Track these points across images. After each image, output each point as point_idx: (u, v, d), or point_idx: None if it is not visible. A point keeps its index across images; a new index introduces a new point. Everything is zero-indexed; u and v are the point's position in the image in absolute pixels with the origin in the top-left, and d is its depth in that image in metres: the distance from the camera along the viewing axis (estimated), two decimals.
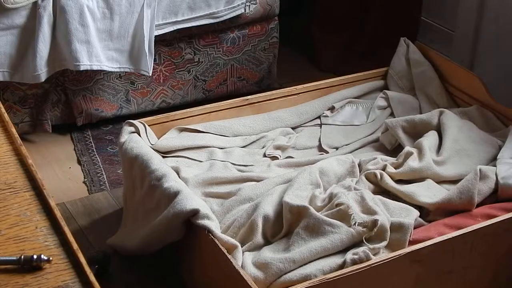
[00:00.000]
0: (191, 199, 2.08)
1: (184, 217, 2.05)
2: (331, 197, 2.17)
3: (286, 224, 2.10)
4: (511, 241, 2.12)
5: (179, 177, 2.30)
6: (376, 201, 2.14)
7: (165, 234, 2.13)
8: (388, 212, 2.12)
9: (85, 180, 2.81)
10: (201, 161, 2.48)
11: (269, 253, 2.01)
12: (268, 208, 2.12)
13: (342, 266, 1.94)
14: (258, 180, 2.37)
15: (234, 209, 2.23)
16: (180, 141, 2.51)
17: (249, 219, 2.11)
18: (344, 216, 2.05)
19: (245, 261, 1.99)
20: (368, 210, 2.07)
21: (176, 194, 2.12)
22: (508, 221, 2.08)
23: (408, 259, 1.95)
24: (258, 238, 2.08)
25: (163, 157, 2.45)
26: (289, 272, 1.95)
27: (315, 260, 1.98)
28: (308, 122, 2.74)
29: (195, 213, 2.04)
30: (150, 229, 2.19)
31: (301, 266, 1.96)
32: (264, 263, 1.96)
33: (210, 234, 1.99)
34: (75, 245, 1.33)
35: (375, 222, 2.00)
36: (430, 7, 3.52)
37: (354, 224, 2.01)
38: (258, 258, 1.99)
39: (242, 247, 2.05)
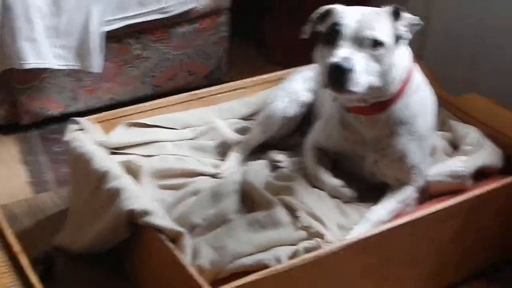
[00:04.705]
0: (129, 198, 2.08)
1: (124, 218, 2.06)
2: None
3: (246, 204, 2.19)
4: (454, 227, 2.15)
5: (131, 170, 2.32)
6: (330, 207, 2.19)
7: (111, 234, 2.14)
8: (342, 216, 2.18)
9: (31, 180, 2.78)
10: (153, 155, 2.47)
11: (226, 236, 2.04)
12: (229, 186, 2.22)
13: (295, 254, 1.99)
14: (210, 174, 2.41)
15: (186, 200, 2.25)
16: (129, 137, 2.50)
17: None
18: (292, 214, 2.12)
19: (200, 244, 2.02)
20: (317, 218, 2.12)
21: (116, 194, 2.12)
22: (451, 208, 2.11)
23: (356, 248, 1.97)
24: (215, 216, 2.13)
25: (113, 153, 2.43)
26: (245, 256, 1.99)
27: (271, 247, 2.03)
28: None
29: (132, 213, 2.04)
30: (96, 229, 2.19)
31: (257, 252, 2.01)
32: (221, 246, 2.00)
33: (154, 229, 1.99)
34: (16, 247, 1.32)
35: (321, 236, 2.05)
36: None
37: (300, 226, 2.08)
38: (215, 240, 2.03)
39: (197, 228, 2.10)
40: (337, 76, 1.98)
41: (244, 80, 2.82)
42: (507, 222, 2.29)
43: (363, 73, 2.00)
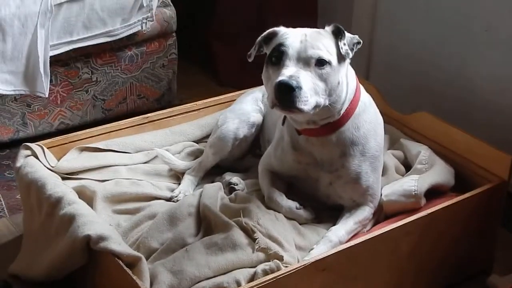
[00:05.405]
0: (84, 224, 2.06)
1: (80, 244, 2.04)
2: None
3: (203, 227, 2.17)
4: (412, 244, 2.18)
5: (85, 195, 2.30)
6: (287, 228, 2.19)
7: (67, 261, 2.11)
8: (300, 237, 2.18)
9: None
10: (107, 180, 2.45)
11: (184, 260, 2.02)
12: (185, 209, 2.21)
13: (254, 277, 1.98)
14: (166, 198, 2.41)
15: (143, 224, 2.23)
16: (81, 162, 2.48)
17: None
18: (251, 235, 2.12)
19: (157, 269, 2.00)
20: (275, 239, 2.11)
21: (71, 220, 2.09)
22: (409, 225, 2.14)
23: (314, 267, 1.97)
24: (172, 240, 2.11)
25: (66, 179, 2.40)
26: (204, 280, 1.98)
27: (229, 270, 2.01)
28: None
29: (88, 239, 2.02)
30: (52, 256, 2.15)
31: (216, 275, 1.99)
32: (180, 270, 1.98)
33: (111, 255, 1.97)
34: None
35: (280, 257, 2.05)
36: (325, 16, 3.58)
37: (258, 248, 2.06)
38: (174, 264, 2.01)
39: (154, 253, 2.09)
40: (285, 95, 1.98)
41: (197, 102, 2.82)
42: (462, 239, 2.33)
43: (310, 90, 2.01)
